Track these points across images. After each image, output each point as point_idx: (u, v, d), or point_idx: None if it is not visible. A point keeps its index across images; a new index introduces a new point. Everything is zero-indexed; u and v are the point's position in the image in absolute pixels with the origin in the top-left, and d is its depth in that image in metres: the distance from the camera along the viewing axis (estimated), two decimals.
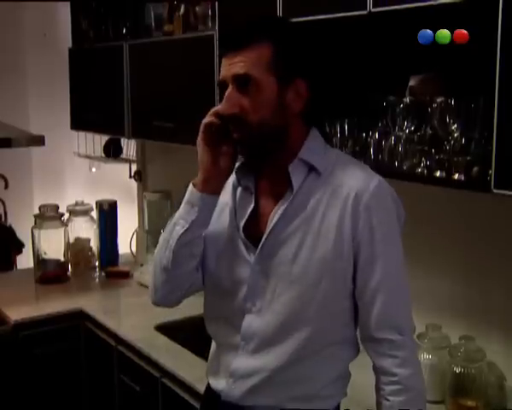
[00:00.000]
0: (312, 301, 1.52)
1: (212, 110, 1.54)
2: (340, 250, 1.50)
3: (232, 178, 1.64)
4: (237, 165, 1.61)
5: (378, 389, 1.55)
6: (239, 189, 1.65)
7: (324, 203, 1.51)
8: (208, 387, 1.74)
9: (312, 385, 1.58)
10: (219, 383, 1.66)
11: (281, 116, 1.51)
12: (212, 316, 1.70)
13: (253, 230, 1.59)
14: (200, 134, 1.55)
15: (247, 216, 1.61)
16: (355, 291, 1.54)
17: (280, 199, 1.56)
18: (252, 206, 1.61)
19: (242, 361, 1.60)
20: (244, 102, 1.48)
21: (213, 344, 1.74)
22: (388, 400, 1.52)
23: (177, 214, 1.60)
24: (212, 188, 1.56)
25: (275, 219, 1.55)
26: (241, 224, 1.61)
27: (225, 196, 1.64)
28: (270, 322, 1.56)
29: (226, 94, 1.50)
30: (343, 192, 1.50)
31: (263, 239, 1.56)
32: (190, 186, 1.58)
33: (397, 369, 1.51)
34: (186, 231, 1.56)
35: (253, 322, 1.58)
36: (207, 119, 1.53)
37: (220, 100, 1.54)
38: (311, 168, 1.54)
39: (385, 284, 1.52)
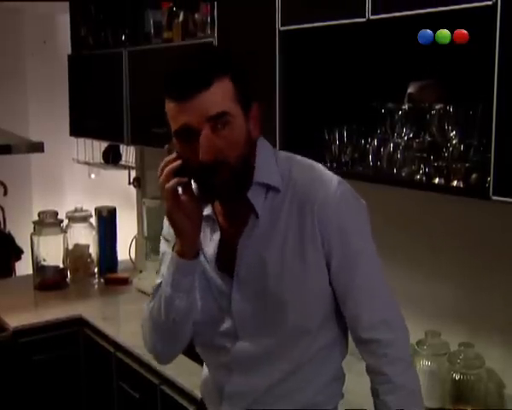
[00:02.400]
0: (295, 318, 1.51)
1: (168, 169, 1.42)
2: (314, 263, 1.48)
3: None
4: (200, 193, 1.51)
5: (372, 390, 1.55)
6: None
7: (288, 221, 1.48)
8: (201, 402, 1.74)
9: (308, 393, 1.58)
10: (213, 405, 1.66)
11: (248, 147, 1.45)
12: (200, 342, 1.67)
13: (223, 259, 1.55)
14: (169, 203, 1.45)
15: (216, 248, 1.55)
16: (336, 296, 1.53)
17: (244, 224, 1.51)
18: (218, 236, 1.55)
19: (236, 382, 1.59)
20: (221, 142, 1.38)
21: (205, 366, 1.73)
22: (382, 399, 1.52)
23: (171, 288, 1.52)
24: (198, 247, 1.52)
25: (243, 246, 1.51)
26: (213, 256, 1.56)
27: None
28: (260, 343, 1.55)
29: (202, 140, 1.36)
30: (305, 205, 1.47)
31: (237, 269, 1.53)
32: (176, 258, 1.50)
33: (387, 368, 1.50)
34: (189, 299, 1.53)
35: (243, 346, 1.56)
36: (171, 182, 1.42)
37: (182, 148, 1.42)
38: (269, 187, 1.50)
39: (366, 285, 1.51)
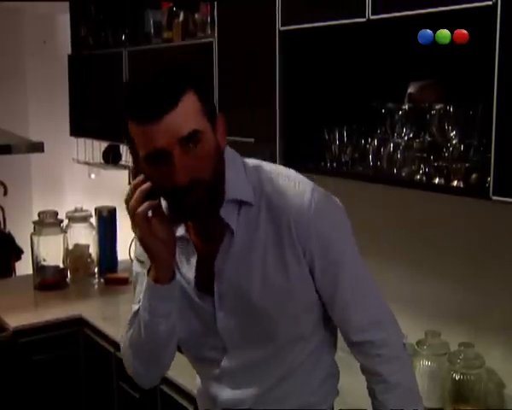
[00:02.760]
0: (285, 327, 1.50)
1: (138, 193, 1.37)
2: (296, 273, 1.45)
3: None
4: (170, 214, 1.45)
5: (369, 390, 1.55)
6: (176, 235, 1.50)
7: (265, 235, 1.44)
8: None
9: (302, 395, 1.57)
10: None
11: (219, 160, 1.39)
12: (192, 356, 1.66)
13: (203, 280, 1.51)
14: (141, 228, 1.39)
15: (194, 270, 1.51)
16: (323, 302, 1.51)
17: (219, 243, 1.46)
18: (195, 257, 1.50)
19: (228, 394, 1.58)
20: (194, 161, 1.32)
21: (197, 376, 1.72)
22: (379, 399, 1.51)
23: (149, 315, 1.48)
24: (173, 270, 1.46)
25: (220, 264, 1.47)
26: (192, 278, 1.51)
27: None
28: (249, 355, 1.54)
29: (177, 163, 1.30)
30: (282, 218, 1.43)
31: (217, 289, 1.49)
32: (153, 284, 1.45)
33: (381, 367, 1.50)
34: (167, 323, 1.49)
35: (232, 359, 1.55)
36: (143, 207, 1.37)
37: (152, 171, 1.35)
38: (242, 202, 1.44)
39: (351, 288, 1.49)
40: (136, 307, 1.54)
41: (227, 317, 1.51)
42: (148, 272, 1.47)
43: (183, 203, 1.36)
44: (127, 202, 1.41)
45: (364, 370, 1.54)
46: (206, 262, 1.49)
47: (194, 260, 1.50)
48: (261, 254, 1.45)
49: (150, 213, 1.40)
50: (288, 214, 1.43)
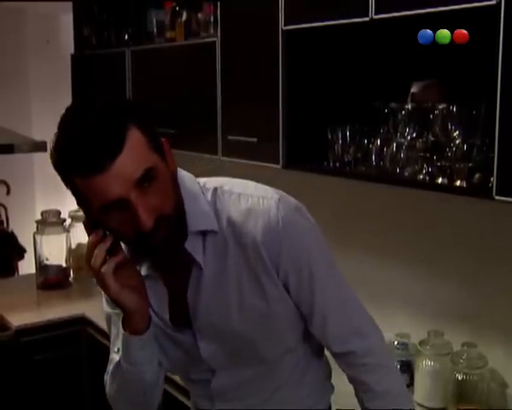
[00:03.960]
0: (268, 348, 1.47)
1: (100, 251, 1.28)
2: (273, 293, 1.40)
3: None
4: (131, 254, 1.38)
5: (357, 398, 1.52)
6: (143, 273, 1.42)
7: (237, 260, 1.37)
8: None
9: (295, 403, 1.56)
10: None
11: (176, 189, 1.31)
12: (182, 377, 1.65)
13: (177, 315, 1.45)
14: (111, 286, 1.31)
15: (166, 308, 1.44)
16: (303, 317, 1.47)
17: (188, 276, 1.39)
18: (166, 295, 1.43)
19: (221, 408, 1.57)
20: (154, 199, 1.22)
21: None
22: (368, 407, 1.50)
23: (132, 366, 1.44)
24: (147, 317, 1.40)
25: (192, 299, 1.41)
26: (167, 317, 1.45)
27: None
28: (238, 375, 1.51)
29: (139, 209, 1.20)
30: (248, 240, 1.35)
31: (194, 322, 1.44)
32: (130, 337, 1.40)
33: (366, 377, 1.47)
34: (152, 367, 1.46)
35: (220, 380, 1.52)
36: (109, 265, 1.29)
37: (109, 221, 1.25)
38: (205, 232, 1.36)
39: (329, 302, 1.44)
40: (116, 357, 1.49)
41: (209, 345, 1.46)
42: (123, 323, 1.40)
43: (147, 245, 1.26)
44: (88, 261, 1.31)
45: (351, 380, 1.51)
46: (177, 297, 1.42)
47: (165, 297, 1.44)
48: (235, 282, 1.39)
49: (113, 266, 1.30)
50: (255, 237, 1.34)
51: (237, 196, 1.39)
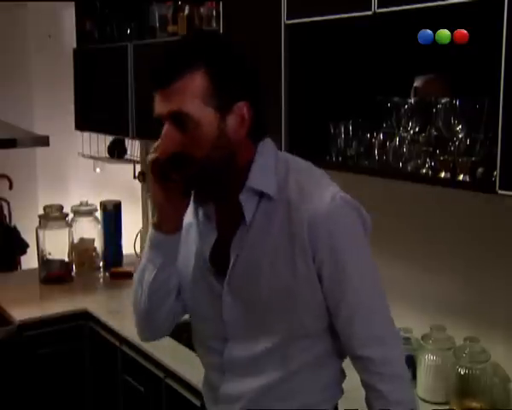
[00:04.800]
0: (286, 325, 1.49)
1: (156, 144, 1.43)
2: (304, 274, 1.43)
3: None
4: (193, 193, 1.50)
5: (367, 403, 1.52)
6: (200, 210, 1.56)
7: (280, 230, 1.44)
8: (203, 406, 1.74)
9: (306, 396, 1.56)
10: (212, 405, 1.66)
11: (225, 147, 1.39)
12: (196, 340, 1.68)
13: (219, 259, 1.52)
14: (150, 173, 1.45)
15: (211, 247, 1.53)
16: (329, 310, 1.48)
17: (237, 228, 1.48)
18: (215, 237, 1.53)
19: (229, 386, 1.58)
20: (183, 139, 1.36)
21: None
22: None
23: (144, 260, 1.55)
24: (172, 227, 1.49)
25: (235, 250, 1.48)
26: (207, 254, 1.54)
27: (189, 216, 1.56)
28: (251, 349, 1.53)
29: (163, 132, 1.37)
30: (297, 217, 1.41)
31: (228, 270, 1.50)
32: (151, 229, 1.51)
33: (381, 386, 1.46)
34: (156, 274, 1.52)
35: (233, 349, 1.55)
36: (151, 155, 1.42)
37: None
38: (263, 194, 1.45)
39: (357, 304, 1.45)
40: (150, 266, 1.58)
41: (233, 303, 1.51)
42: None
43: (179, 176, 1.40)
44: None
45: (364, 385, 1.51)
46: (223, 244, 1.51)
47: (212, 238, 1.53)
48: (274, 250, 1.44)
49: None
50: (304, 212, 1.41)
51: (302, 173, 1.48)
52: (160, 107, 1.37)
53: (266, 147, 1.48)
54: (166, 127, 1.36)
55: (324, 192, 1.43)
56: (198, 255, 1.56)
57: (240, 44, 1.50)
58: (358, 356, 1.48)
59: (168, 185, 1.43)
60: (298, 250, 1.42)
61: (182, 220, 1.50)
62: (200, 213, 1.56)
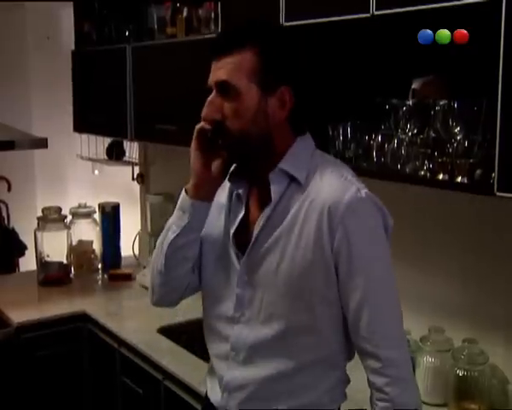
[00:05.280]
0: (298, 312, 1.50)
1: (204, 111, 1.54)
2: (320, 262, 1.46)
3: None
4: (231, 171, 1.59)
5: (371, 403, 1.53)
6: (234, 194, 1.64)
7: (302, 215, 1.48)
8: (206, 396, 1.74)
9: (308, 395, 1.56)
10: (215, 394, 1.67)
11: (263, 125, 1.49)
12: (206, 325, 1.69)
13: (243, 238, 1.58)
14: (194, 139, 1.55)
15: (237, 224, 1.60)
16: (341, 303, 1.50)
17: (265, 208, 1.54)
18: (242, 214, 1.60)
19: (234, 373, 1.59)
20: (225, 108, 1.48)
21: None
22: None
23: (171, 220, 1.62)
24: (203, 195, 1.56)
25: (258, 229, 1.54)
26: (232, 231, 1.60)
27: (223, 198, 1.64)
28: (258, 333, 1.54)
29: (208, 99, 1.50)
30: (318, 205, 1.47)
31: (248, 249, 1.56)
32: (183, 192, 1.58)
33: (388, 388, 1.47)
34: (177, 236, 1.58)
35: (241, 332, 1.57)
36: (200, 124, 1.53)
37: None
38: (292, 178, 1.52)
39: (368, 300, 1.47)
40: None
41: (248, 282, 1.56)
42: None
43: (216, 143, 1.51)
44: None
45: (371, 385, 1.52)
46: (248, 223, 1.58)
47: (240, 217, 1.60)
48: (293, 234, 1.49)
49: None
50: (325, 201, 1.46)
51: (332, 166, 1.54)
52: (211, 76, 1.50)
53: (305, 140, 1.57)
54: (212, 95, 1.49)
55: (350, 186, 1.48)
56: (225, 234, 1.62)
57: (294, 36, 1.66)
58: (368, 352, 1.49)
59: (208, 154, 1.53)
60: (318, 240, 1.46)
61: (213, 192, 1.58)
62: (234, 196, 1.63)
